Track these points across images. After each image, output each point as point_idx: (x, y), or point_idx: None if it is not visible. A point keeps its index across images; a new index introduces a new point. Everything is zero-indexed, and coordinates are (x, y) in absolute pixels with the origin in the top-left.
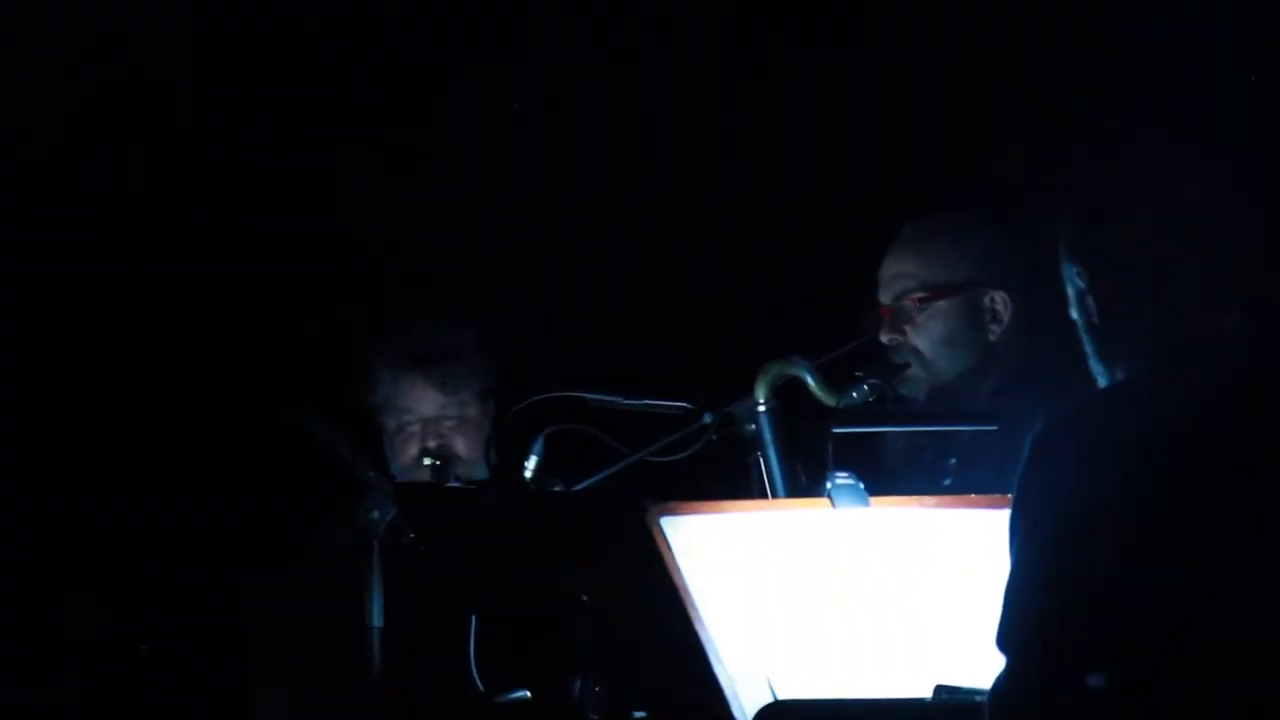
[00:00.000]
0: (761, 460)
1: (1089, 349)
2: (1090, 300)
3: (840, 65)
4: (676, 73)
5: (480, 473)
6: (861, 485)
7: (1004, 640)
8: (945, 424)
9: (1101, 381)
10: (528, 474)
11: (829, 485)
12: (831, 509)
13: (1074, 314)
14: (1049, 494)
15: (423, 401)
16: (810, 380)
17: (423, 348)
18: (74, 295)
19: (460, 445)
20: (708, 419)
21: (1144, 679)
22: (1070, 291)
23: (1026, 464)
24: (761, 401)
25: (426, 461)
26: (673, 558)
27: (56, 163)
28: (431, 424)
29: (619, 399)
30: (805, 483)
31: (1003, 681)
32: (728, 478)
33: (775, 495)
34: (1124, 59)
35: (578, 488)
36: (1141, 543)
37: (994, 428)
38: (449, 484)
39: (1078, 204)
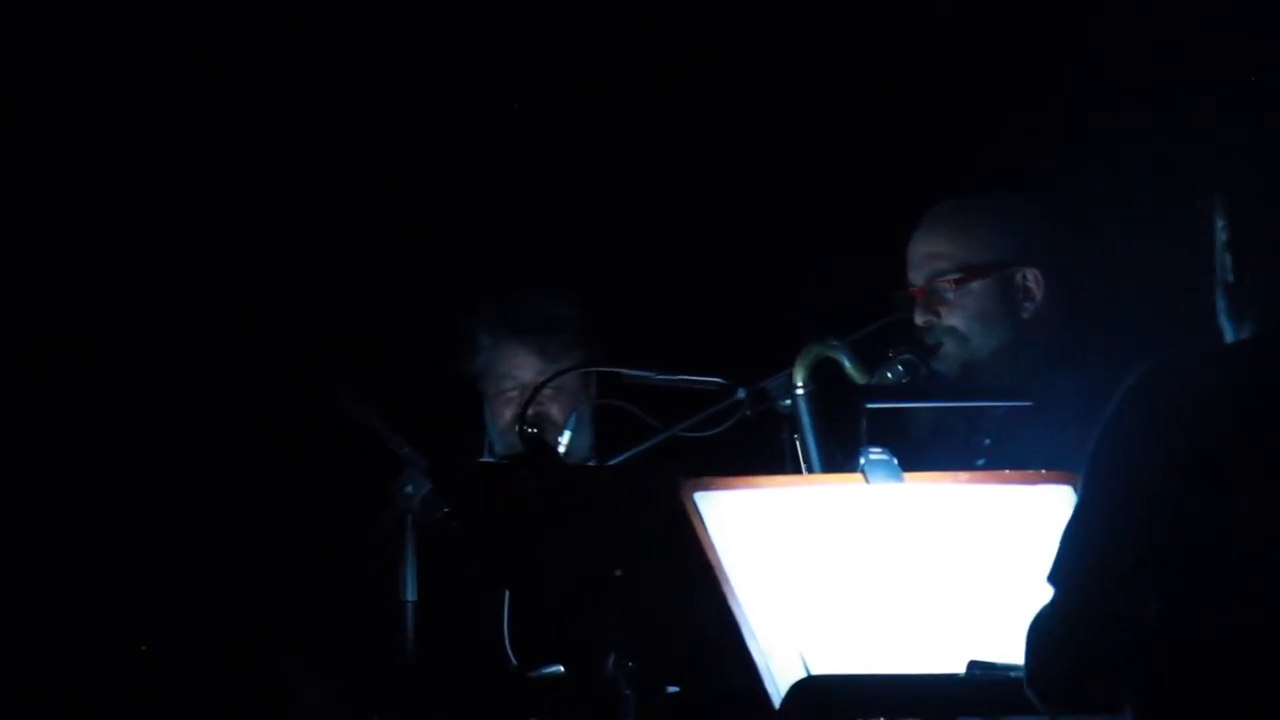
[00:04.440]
0: (798, 442)
1: (1220, 304)
2: (1227, 258)
3: (875, 58)
4: (713, 64)
5: (579, 438)
6: (895, 460)
7: (1055, 575)
8: (979, 400)
9: (1228, 336)
10: (562, 449)
11: (863, 460)
12: (865, 484)
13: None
14: (1132, 440)
15: (522, 368)
16: (847, 363)
17: (524, 316)
18: (107, 275)
19: (556, 412)
20: (741, 394)
21: (1194, 634)
22: (1217, 244)
23: (1115, 408)
24: (800, 384)
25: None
26: (706, 533)
27: (97, 151)
28: (530, 390)
29: (653, 374)
30: (844, 466)
31: (1045, 615)
32: (761, 453)
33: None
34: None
35: (612, 462)
36: (1213, 504)
37: (1029, 404)
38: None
39: (1236, 159)
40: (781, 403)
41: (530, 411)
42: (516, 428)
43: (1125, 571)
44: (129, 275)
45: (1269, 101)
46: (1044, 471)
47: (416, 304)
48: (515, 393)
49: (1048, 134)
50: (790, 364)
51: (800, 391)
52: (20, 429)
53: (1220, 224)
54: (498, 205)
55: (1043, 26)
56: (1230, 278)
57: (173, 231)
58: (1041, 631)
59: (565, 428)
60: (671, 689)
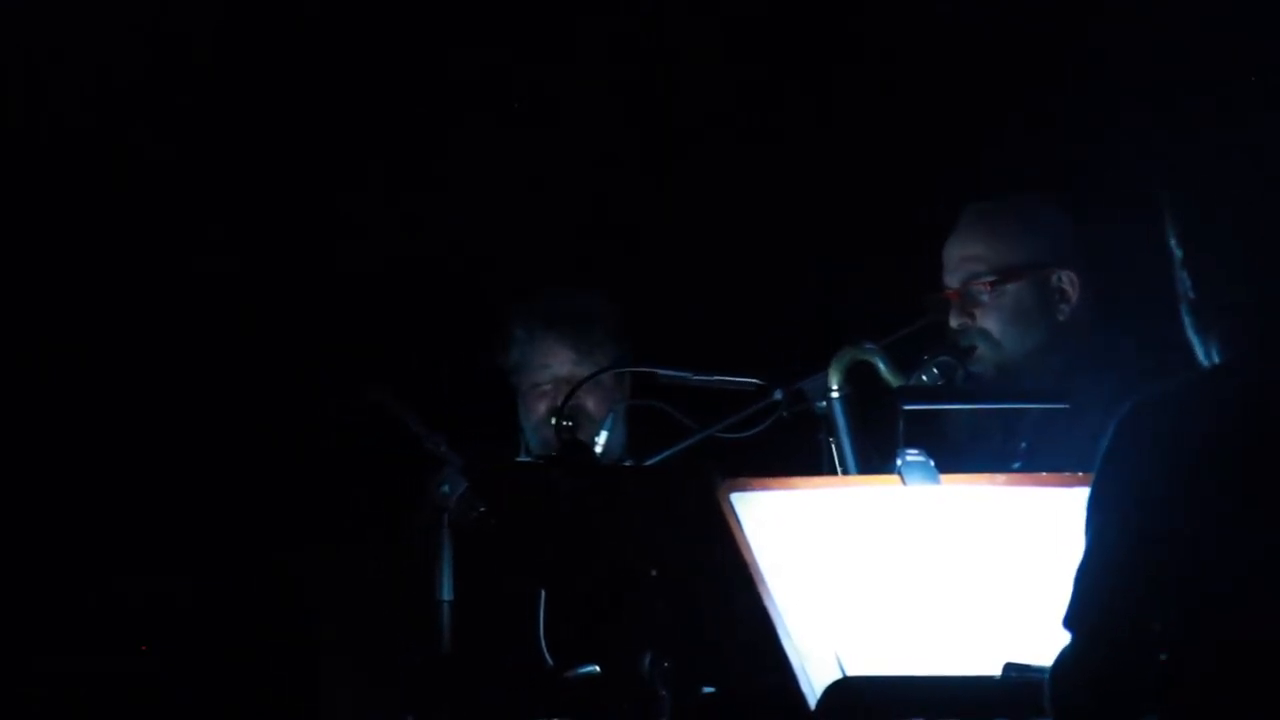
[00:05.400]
0: (834, 445)
1: (1185, 320)
2: (1184, 274)
3: (875, 59)
4: (713, 64)
5: (613, 435)
6: (932, 462)
7: (1071, 620)
8: (1016, 401)
9: (1199, 351)
10: (598, 449)
11: (899, 462)
12: (902, 485)
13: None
14: (1131, 477)
15: (558, 361)
16: (882, 366)
17: (560, 310)
18: (141, 270)
19: (592, 406)
20: (778, 395)
21: (1213, 668)
22: (1174, 261)
23: (1110, 445)
24: (835, 387)
25: (555, 422)
26: (742, 533)
27: (97, 151)
28: (564, 384)
29: (690, 374)
30: (879, 468)
31: (1066, 660)
32: (798, 454)
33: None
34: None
35: (648, 463)
36: (1223, 531)
37: (1065, 405)
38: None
39: (1174, 177)
40: (818, 404)
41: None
42: (552, 421)
43: (1139, 606)
44: (162, 278)
45: (1206, 119)
46: (1079, 474)
47: (441, 304)
48: (549, 387)
49: (1048, 134)
50: (810, 364)
51: (836, 394)
52: (30, 433)
53: (1173, 241)
54: (498, 205)
55: (1043, 26)
56: (1191, 294)
57: (187, 231)
58: (1064, 676)
59: (603, 427)
60: (707, 689)
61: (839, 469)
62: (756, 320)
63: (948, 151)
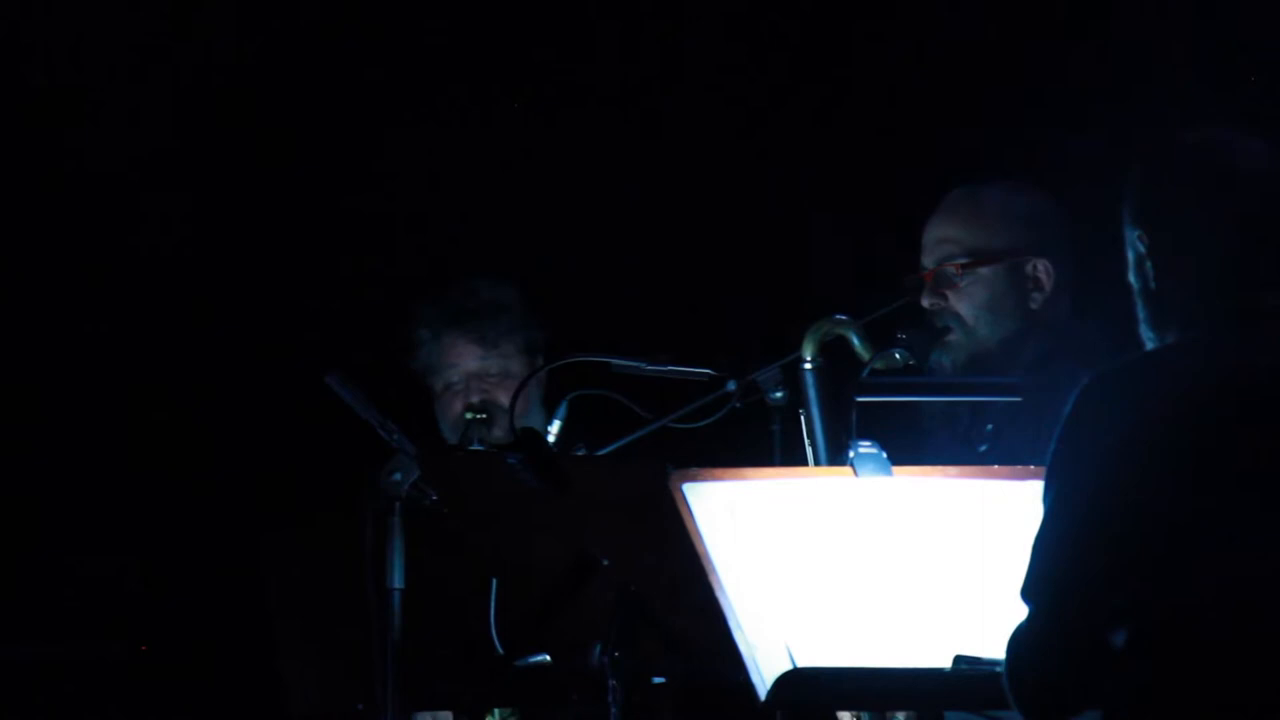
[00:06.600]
0: (803, 418)
1: (1142, 313)
2: (1149, 265)
3: (876, 58)
4: (713, 63)
5: (530, 424)
6: (884, 454)
7: (1029, 590)
8: (971, 394)
9: (1150, 347)
10: (551, 438)
11: (852, 454)
12: (854, 478)
13: (1131, 278)
14: (1088, 448)
15: (465, 358)
16: (855, 340)
17: (461, 306)
18: (100, 262)
19: (504, 398)
20: (731, 386)
21: (1168, 636)
22: (1130, 255)
23: (1069, 416)
24: (808, 360)
25: (470, 416)
26: (694, 524)
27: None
28: (475, 380)
29: (643, 364)
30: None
31: (1024, 630)
32: (750, 445)
33: (817, 452)
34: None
35: (600, 453)
36: (1176, 501)
37: (1019, 399)
38: (484, 442)
39: (1144, 171)
40: (771, 395)
41: (477, 400)
42: (467, 416)
43: (1097, 576)
44: (122, 268)
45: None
46: (1032, 468)
47: (408, 294)
48: (461, 384)
49: (1047, 134)
50: (777, 358)
51: (808, 366)
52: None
53: (1137, 234)
54: (489, 199)
55: (1044, 27)
56: (1153, 285)
57: (160, 219)
58: (1021, 647)
59: (555, 416)
60: (657, 679)
61: (807, 441)
62: (755, 320)
63: (948, 151)
